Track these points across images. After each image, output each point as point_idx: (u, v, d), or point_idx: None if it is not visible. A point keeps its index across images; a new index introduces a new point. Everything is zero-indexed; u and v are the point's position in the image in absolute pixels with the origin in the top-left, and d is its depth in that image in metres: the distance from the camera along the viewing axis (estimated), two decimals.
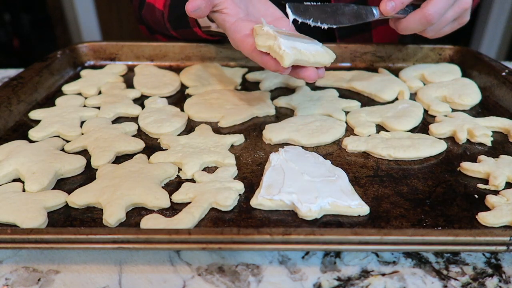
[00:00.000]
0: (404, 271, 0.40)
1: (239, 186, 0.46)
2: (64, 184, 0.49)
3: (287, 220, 0.43)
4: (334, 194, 0.44)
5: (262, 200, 0.44)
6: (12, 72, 0.85)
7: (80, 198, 0.44)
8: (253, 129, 0.60)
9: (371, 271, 0.40)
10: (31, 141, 0.55)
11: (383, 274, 0.39)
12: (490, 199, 0.45)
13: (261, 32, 0.50)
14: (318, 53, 0.52)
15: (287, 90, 0.71)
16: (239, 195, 0.46)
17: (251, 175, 0.50)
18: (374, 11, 0.59)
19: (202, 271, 0.40)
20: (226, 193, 0.44)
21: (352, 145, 0.55)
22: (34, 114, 0.62)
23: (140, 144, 0.54)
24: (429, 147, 0.53)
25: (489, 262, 0.41)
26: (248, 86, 0.73)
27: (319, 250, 0.41)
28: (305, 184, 0.45)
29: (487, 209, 0.44)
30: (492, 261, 0.41)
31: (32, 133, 0.57)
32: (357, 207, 0.43)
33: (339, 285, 0.38)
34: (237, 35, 0.53)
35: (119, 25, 2.25)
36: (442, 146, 0.54)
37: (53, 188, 0.47)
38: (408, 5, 0.60)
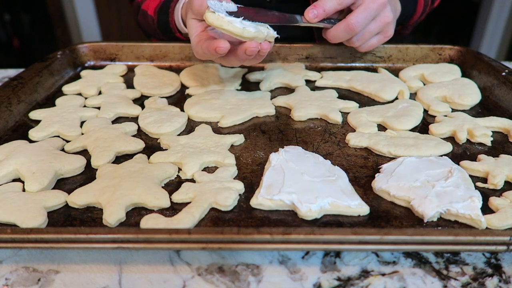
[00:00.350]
0: (404, 271, 0.40)
1: (239, 186, 0.46)
2: (64, 184, 0.49)
3: (287, 220, 0.43)
4: (334, 194, 0.44)
5: (262, 200, 0.44)
6: (12, 72, 0.85)
7: (80, 198, 0.44)
8: (253, 129, 0.60)
9: (371, 271, 0.40)
10: (31, 141, 0.55)
11: (383, 274, 0.39)
12: (494, 201, 0.44)
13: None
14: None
15: (287, 90, 0.71)
16: (239, 195, 0.46)
17: (251, 175, 0.50)
18: (298, 18, 0.63)
19: (202, 271, 0.40)
20: (226, 193, 0.44)
21: (354, 140, 0.55)
22: (34, 114, 0.62)
23: (140, 144, 0.54)
24: (432, 148, 0.53)
25: (489, 262, 0.41)
26: (248, 86, 0.73)
27: (319, 250, 0.41)
28: (305, 184, 0.45)
29: (490, 211, 0.44)
30: (492, 261, 0.41)
31: (32, 133, 0.57)
32: (357, 207, 0.43)
33: (339, 285, 0.38)
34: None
35: (119, 25, 2.25)
36: (446, 148, 0.54)
37: (53, 188, 0.47)
38: (335, 18, 0.66)
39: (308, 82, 0.73)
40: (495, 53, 2.17)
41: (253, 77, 0.74)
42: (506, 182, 0.48)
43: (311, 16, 0.62)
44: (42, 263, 0.40)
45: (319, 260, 0.41)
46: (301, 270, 0.40)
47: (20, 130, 0.59)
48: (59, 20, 2.13)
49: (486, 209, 0.44)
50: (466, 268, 0.40)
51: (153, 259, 0.41)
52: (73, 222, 0.43)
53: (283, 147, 0.52)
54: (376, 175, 0.48)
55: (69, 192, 0.45)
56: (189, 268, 0.40)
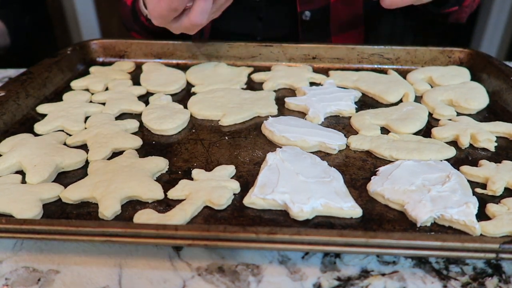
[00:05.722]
0: (404, 271, 0.39)
1: (235, 185, 0.46)
2: (64, 178, 0.49)
3: (278, 219, 0.43)
4: (327, 195, 0.44)
5: (254, 199, 0.44)
6: (12, 72, 0.85)
7: (74, 193, 0.45)
8: (253, 128, 0.60)
9: (371, 271, 0.40)
10: (36, 135, 0.56)
11: (383, 274, 0.39)
12: (491, 208, 0.43)
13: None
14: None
15: (291, 91, 0.71)
16: (234, 194, 0.46)
17: (247, 174, 0.50)
18: None
19: (202, 271, 0.40)
20: (221, 191, 0.45)
21: (356, 143, 0.54)
22: (41, 108, 0.63)
23: (137, 141, 0.55)
24: (435, 152, 0.52)
25: (489, 262, 0.40)
26: (253, 85, 0.73)
27: (304, 251, 0.40)
28: (299, 185, 0.45)
29: (488, 218, 0.43)
30: (492, 261, 0.40)
31: (37, 127, 0.58)
32: (350, 209, 0.43)
33: (339, 285, 0.38)
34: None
35: (119, 25, 2.26)
36: (449, 153, 0.53)
37: (53, 181, 0.48)
38: None
39: (314, 85, 0.73)
40: (495, 53, 2.11)
41: (258, 77, 0.74)
42: (506, 189, 0.47)
43: None
44: (42, 263, 0.41)
45: (319, 260, 0.41)
46: (301, 270, 0.40)
47: (27, 124, 0.60)
48: (59, 20, 2.14)
49: (484, 216, 0.43)
50: (466, 268, 0.39)
51: (153, 259, 0.41)
52: (69, 215, 0.43)
53: (281, 147, 0.52)
54: (372, 177, 0.48)
55: (68, 185, 0.46)
56: (189, 268, 0.40)
